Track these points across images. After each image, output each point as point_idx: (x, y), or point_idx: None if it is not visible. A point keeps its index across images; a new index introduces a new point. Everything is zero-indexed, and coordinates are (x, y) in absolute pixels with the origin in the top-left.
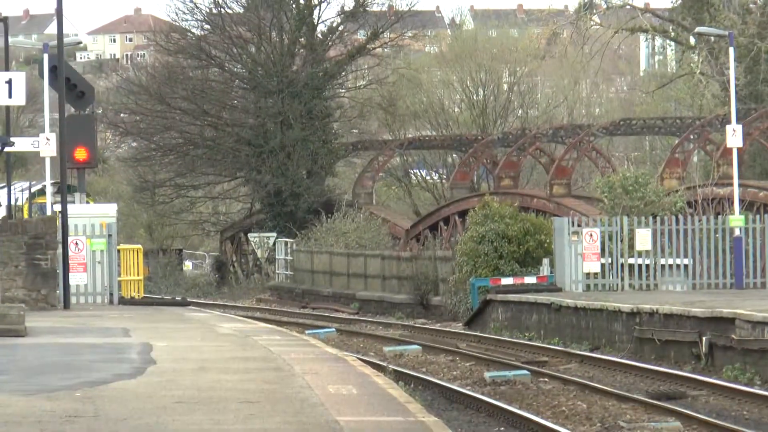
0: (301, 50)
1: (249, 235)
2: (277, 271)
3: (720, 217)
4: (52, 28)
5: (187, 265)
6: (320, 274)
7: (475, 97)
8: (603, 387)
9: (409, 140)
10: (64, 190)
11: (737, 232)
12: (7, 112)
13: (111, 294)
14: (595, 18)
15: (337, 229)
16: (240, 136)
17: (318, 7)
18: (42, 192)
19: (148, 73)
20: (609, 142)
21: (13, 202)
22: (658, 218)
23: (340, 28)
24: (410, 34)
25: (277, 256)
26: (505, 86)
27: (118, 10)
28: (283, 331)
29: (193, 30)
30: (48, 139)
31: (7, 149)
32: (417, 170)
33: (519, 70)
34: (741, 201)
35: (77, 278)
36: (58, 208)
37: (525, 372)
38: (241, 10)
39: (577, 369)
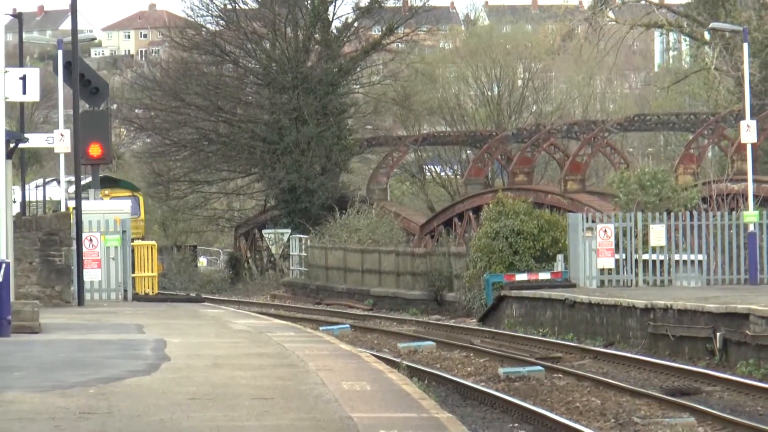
0: (316, 46)
1: (263, 231)
2: (291, 268)
3: (734, 212)
4: (66, 24)
5: (202, 261)
6: (334, 271)
7: (489, 93)
8: (617, 383)
9: (424, 136)
10: (78, 186)
11: (751, 228)
12: (22, 109)
13: (125, 290)
14: (610, 14)
15: (350, 225)
16: (254, 132)
17: (333, 3)
18: (88, 186)
19: (163, 69)
20: (623, 137)
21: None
22: (672, 214)
23: (355, 24)
24: (425, 30)
25: (291, 253)
26: (520, 82)
27: (133, 6)
28: (297, 327)
29: (208, 26)
30: (62, 136)
31: (21, 145)
32: (431, 166)
33: (533, 66)
34: (755, 196)
35: (91, 275)
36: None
37: (539, 368)
38: (256, 6)
39: (592, 365)
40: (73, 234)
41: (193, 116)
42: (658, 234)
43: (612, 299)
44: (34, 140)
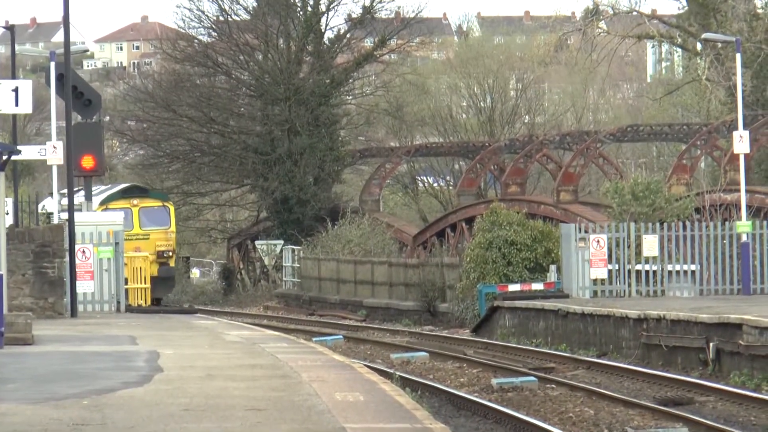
0: (308, 57)
1: (256, 242)
2: (284, 279)
3: (727, 223)
4: (58, 36)
5: (195, 272)
6: (327, 282)
7: (482, 104)
8: (610, 393)
9: (416, 147)
10: (71, 198)
11: (744, 238)
12: (14, 121)
13: (118, 302)
14: (602, 25)
15: (343, 236)
16: (247, 143)
17: (325, 15)
18: (112, 197)
19: (155, 80)
20: (616, 148)
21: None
22: (665, 224)
23: (347, 36)
24: (417, 41)
25: (284, 264)
26: (512, 93)
27: (125, 18)
28: (291, 338)
29: (200, 37)
30: (55, 147)
31: (14, 158)
32: (424, 177)
33: (526, 77)
34: (748, 207)
35: (84, 286)
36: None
37: (532, 378)
38: (248, 18)
39: (585, 375)
40: (66, 246)
41: (185, 128)
42: (650, 244)
43: (605, 310)
44: (27, 152)
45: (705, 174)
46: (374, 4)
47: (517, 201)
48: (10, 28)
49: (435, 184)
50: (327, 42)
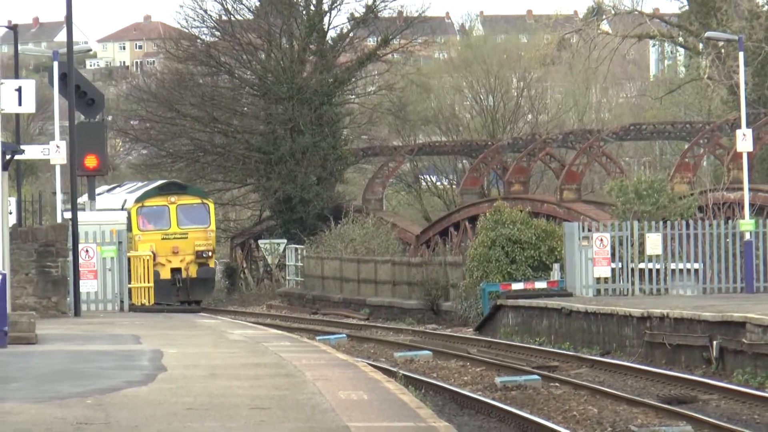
0: (311, 57)
1: (259, 241)
2: (287, 278)
3: (730, 221)
4: (61, 36)
5: None
6: (330, 280)
7: (485, 103)
8: (614, 391)
9: (419, 146)
10: (74, 197)
11: (747, 237)
12: (17, 120)
13: (121, 301)
14: (604, 23)
15: (346, 235)
16: (250, 142)
17: (328, 14)
18: (148, 194)
19: (158, 80)
20: (619, 147)
21: (120, 205)
22: (668, 223)
23: (350, 35)
24: (420, 40)
25: (287, 263)
26: (515, 92)
27: (128, 18)
28: (294, 337)
29: (203, 37)
30: (58, 147)
31: (17, 157)
32: (427, 176)
33: (528, 76)
34: (751, 205)
35: (88, 285)
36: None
37: (536, 377)
38: (251, 17)
39: (588, 374)
40: (70, 245)
41: (188, 127)
42: (654, 243)
43: (608, 308)
44: (30, 152)
45: (708, 172)
46: (377, 3)
47: (521, 200)
48: (13, 28)
49: (438, 183)
50: (330, 41)
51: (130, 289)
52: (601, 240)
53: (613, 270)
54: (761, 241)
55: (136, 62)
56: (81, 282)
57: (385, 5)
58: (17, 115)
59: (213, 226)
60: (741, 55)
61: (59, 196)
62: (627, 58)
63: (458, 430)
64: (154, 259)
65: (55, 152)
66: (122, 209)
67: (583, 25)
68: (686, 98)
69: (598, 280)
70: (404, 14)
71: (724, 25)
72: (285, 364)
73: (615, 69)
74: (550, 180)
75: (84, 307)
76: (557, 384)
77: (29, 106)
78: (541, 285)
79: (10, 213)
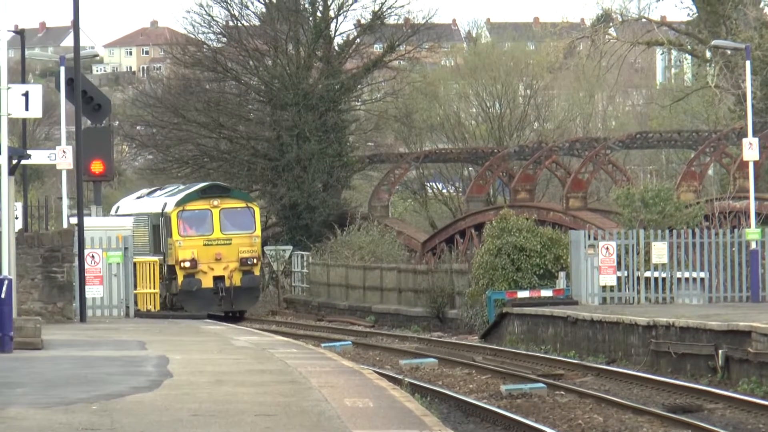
0: (318, 63)
1: (265, 248)
2: (293, 284)
3: (736, 230)
4: (68, 41)
5: None
6: (336, 287)
7: (491, 110)
8: (619, 400)
9: (426, 153)
10: (80, 202)
11: (753, 246)
12: (24, 125)
13: (127, 307)
14: (612, 31)
15: (352, 242)
16: (256, 149)
17: (335, 20)
18: (189, 198)
19: (164, 85)
20: (625, 155)
21: (160, 209)
22: (674, 231)
23: (356, 41)
24: (427, 47)
25: (293, 269)
26: (521, 99)
27: (135, 23)
28: (299, 344)
29: (210, 43)
30: (64, 152)
31: (24, 162)
32: (433, 183)
33: (535, 83)
34: (757, 214)
35: (93, 291)
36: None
37: (541, 385)
38: (258, 23)
39: (594, 382)
40: (76, 250)
41: (194, 133)
42: (660, 251)
43: (614, 316)
44: (37, 157)
45: (714, 181)
46: (384, 9)
47: (527, 207)
48: (20, 33)
49: (444, 191)
50: (336, 47)
51: (135, 295)
52: (607, 248)
53: (618, 278)
54: (767, 250)
55: (143, 67)
56: (87, 287)
57: (392, 12)
58: (24, 120)
59: (258, 232)
60: (748, 63)
61: (65, 201)
62: (634, 67)
63: None
64: (196, 267)
65: (62, 157)
66: (162, 214)
67: (591, 32)
68: (693, 107)
69: (603, 288)
70: (411, 21)
71: (733, 33)
72: (290, 370)
73: (622, 77)
74: (556, 188)
75: (90, 312)
76: (563, 392)
77: (36, 111)
78: (546, 293)
79: (17, 218)
